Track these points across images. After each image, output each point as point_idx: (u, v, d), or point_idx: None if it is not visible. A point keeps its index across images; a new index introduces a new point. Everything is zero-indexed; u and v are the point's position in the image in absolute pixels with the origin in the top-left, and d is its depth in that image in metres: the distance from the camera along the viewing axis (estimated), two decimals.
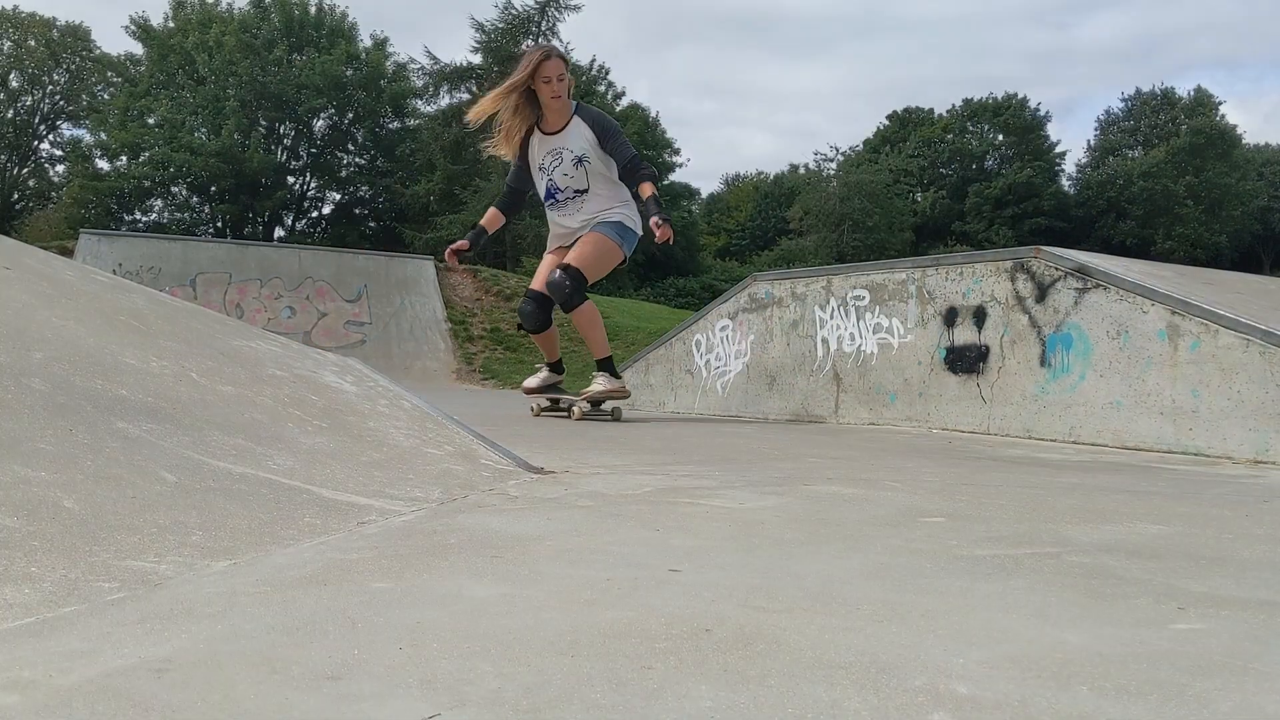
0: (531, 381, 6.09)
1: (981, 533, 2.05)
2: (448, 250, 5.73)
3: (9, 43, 41.31)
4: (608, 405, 5.72)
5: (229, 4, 37.16)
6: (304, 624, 1.24)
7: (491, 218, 5.77)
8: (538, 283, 5.70)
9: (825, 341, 6.21)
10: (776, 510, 2.32)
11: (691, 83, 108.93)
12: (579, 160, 5.40)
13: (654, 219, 5.12)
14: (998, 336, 5.10)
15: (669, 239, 5.08)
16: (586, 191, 5.48)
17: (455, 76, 34.40)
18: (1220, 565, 1.76)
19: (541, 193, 5.61)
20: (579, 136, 5.41)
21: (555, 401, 6.12)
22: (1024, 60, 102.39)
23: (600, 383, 5.66)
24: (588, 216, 5.50)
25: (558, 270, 5.39)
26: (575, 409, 5.63)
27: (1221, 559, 1.82)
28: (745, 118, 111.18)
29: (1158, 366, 4.28)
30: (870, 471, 3.27)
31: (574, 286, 5.37)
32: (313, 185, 40.02)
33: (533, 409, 6.07)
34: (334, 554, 1.67)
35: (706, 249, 44.93)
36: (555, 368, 6.05)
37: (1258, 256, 49.28)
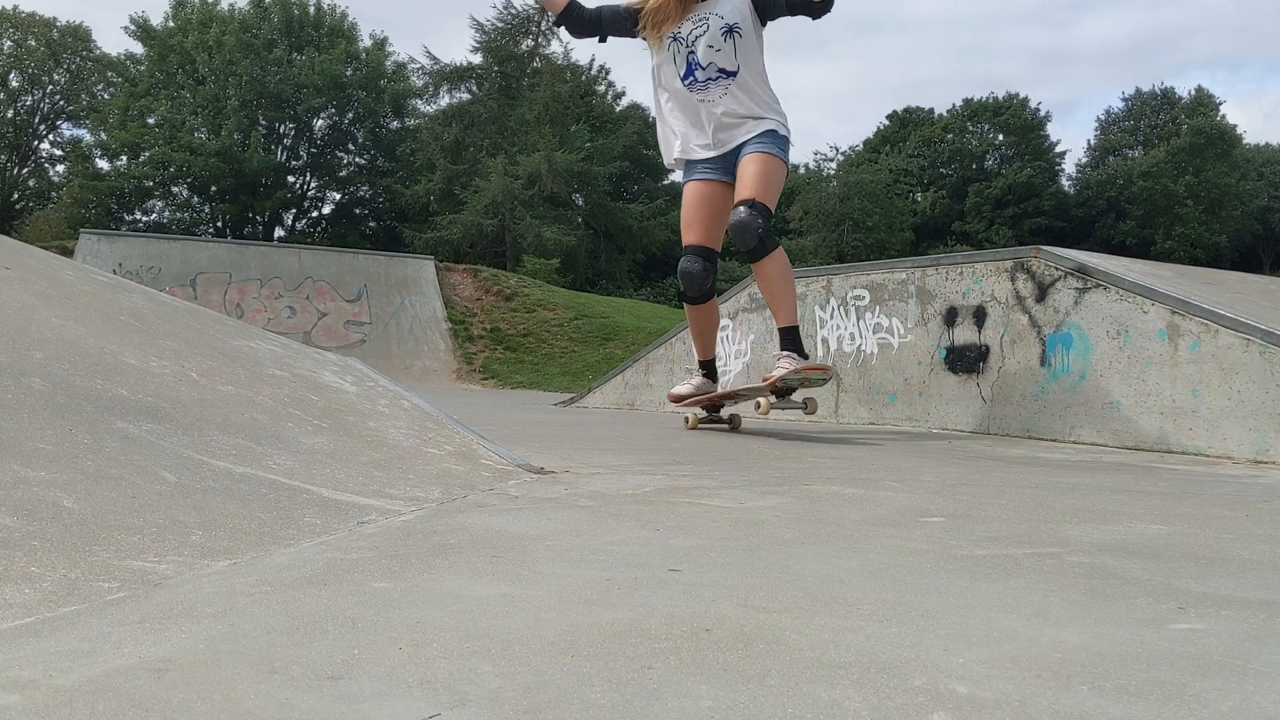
0: (682, 388, 4.93)
1: (981, 533, 2.05)
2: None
3: (9, 42, 41.32)
4: (799, 395, 4.53)
5: (230, 4, 37.17)
6: (304, 624, 1.24)
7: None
8: (700, 232, 4.49)
9: (825, 341, 6.21)
10: (776, 510, 2.32)
11: None
12: (729, 30, 4.28)
13: None
14: (998, 336, 5.10)
15: None
16: (735, 75, 4.33)
17: (455, 76, 34.43)
18: (1220, 565, 1.76)
19: (678, 72, 4.41)
20: (733, 1, 4.33)
21: (715, 408, 4.98)
22: (1024, 60, 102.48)
23: (787, 363, 4.37)
24: (734, 110, 4.35)
25: (743, 208, 4.22)
26: (762, 402, 4.42)
27: (1221, 559, 1.82)
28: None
29: (1158, 366, 4.28)
30: (870, 471, 3.27)
31: (766, 226, 4.24)
32: (313, 185, 40.04)
33: (687, 421, 4.93)
34: (334, 554, 1.67)
35: None
36: (709, 370, 4.94)
37: (1258, 256, 49.29)
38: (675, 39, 4.38)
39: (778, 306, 4.46)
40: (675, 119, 4.53)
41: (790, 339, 4.42)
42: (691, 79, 4.39)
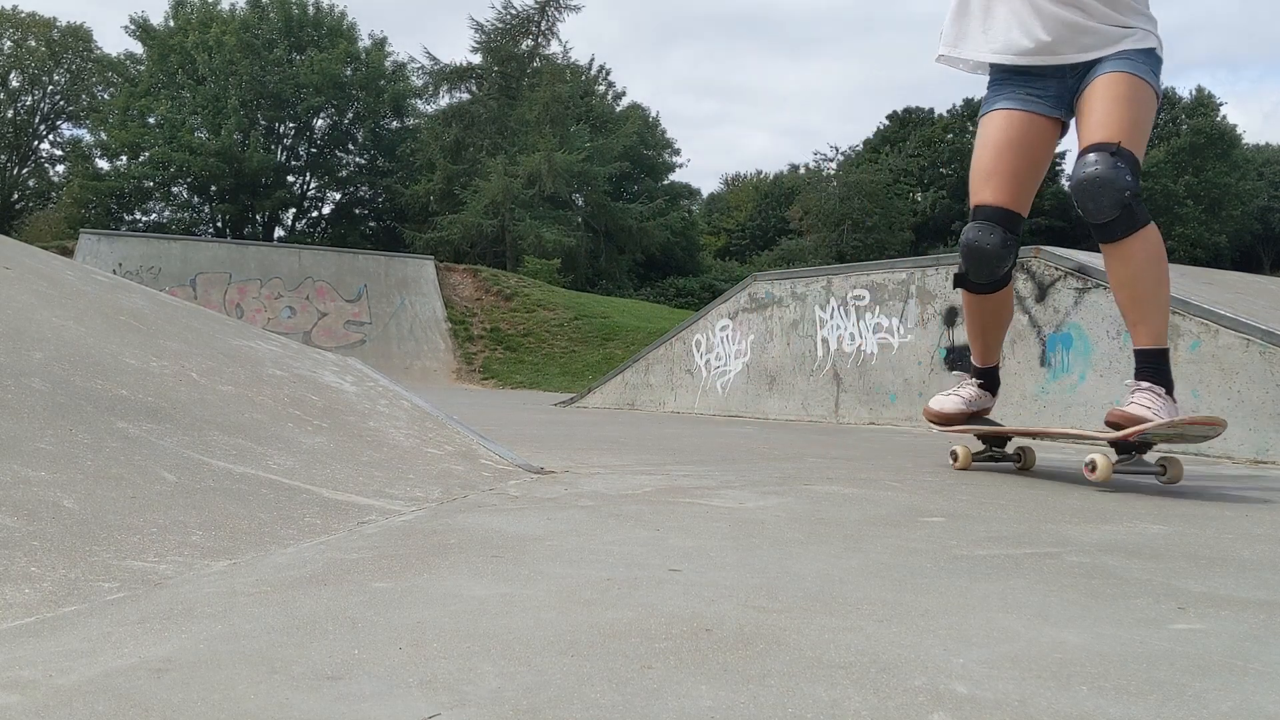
0: (948, 405, 3.48)
1: (981, 533, 2.05)
2: None
3: (9, 42, 41.32)
4: (1156, 458, 2.89)
5: (230, 4, 37.17)
6: (304, 624, 1.24)
7: None
8: (1001, 189, 3.05)
9: (825, 341, 6.21)
10: (776, 510, 2.32)
11: (691, 82, 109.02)
12: None
13: None
14: None
15: None
16: None
17: (455, 76, 34.44)
18: (1220, 565, 1.76)
19: None
20: None
21: (998, 442, 3.50)
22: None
23: (1151, 401, 2.81)
24: (1091, 5, 2.90)
25: (1099, 154, 2.79)
26: (1099, 461, 2.73)
27: (1221, 559, 1.82)
28: (745, 117, 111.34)
29: None
30: (870, 471, 3.27)
31: (1136, 189, 2.78)
32: (312, 185, 40.04)
33: (954, 456, 3.42)
34: (334, 554, 1.67)
35: (706, 249, 44.94)
36: (989, 380, 3.50)
37: (1258, 256, 49.30)
38: None
39: (1140, 314, 2.92)
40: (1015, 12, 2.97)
41: (1155, 366, 2.88)
42: None
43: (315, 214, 41.02)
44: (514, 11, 33.58)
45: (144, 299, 3.26)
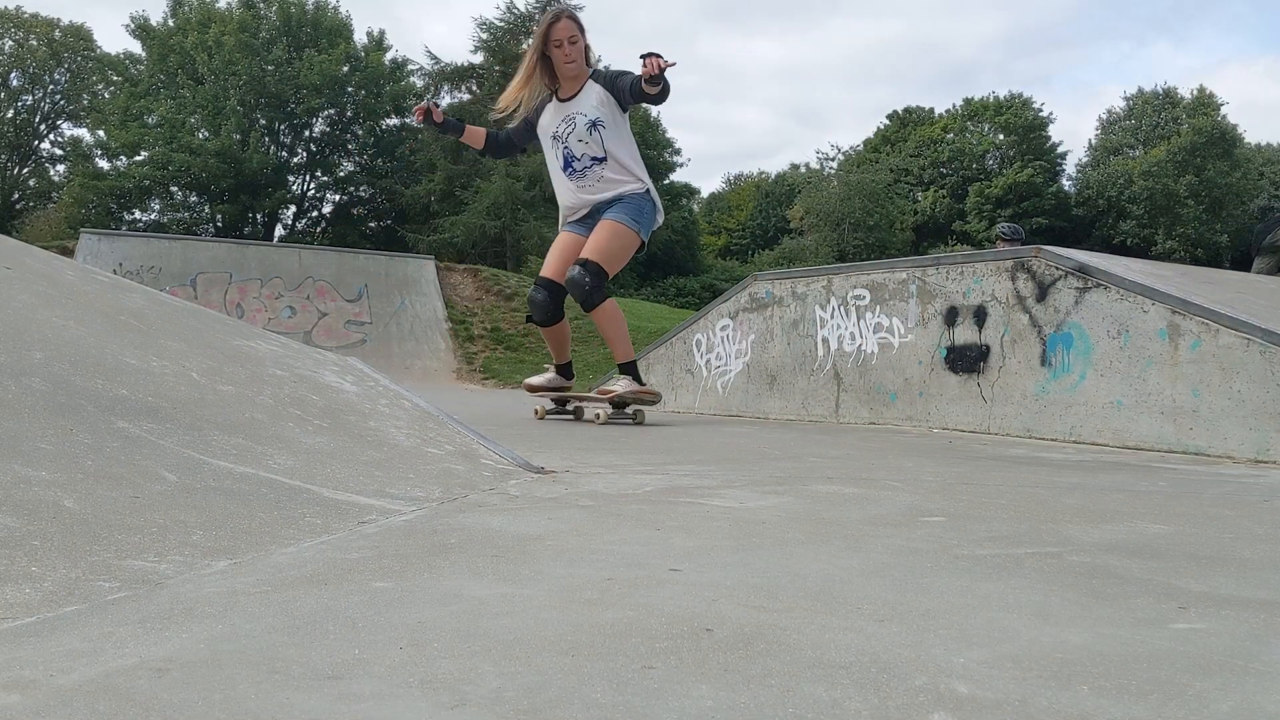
0: (536, 379, 5.74)
1: (982, 532, 2.05)
2: (417, 107, 5.30)
3: (10, 42, 41.34)
4: (631, 409, 5.37)
5: (228, 3, 37.16)
6: (305, 624, 1.25)
7: (475, 131, 5.47)
8: (551, 269, 5.29)
9: (826, 341, 6.21)
10: (777, 510, 2.32)
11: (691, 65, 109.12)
12: (592, 125, 5.06)
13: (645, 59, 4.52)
14: (998, 336, 5.10)
15: (659, 68, 4.46)
16: (604, 160, 5.12)
17: (456, 76, 34.44)
18: (1221, 565, 1.76)
19: (559, 164, 5.24)
20: (591, 98, 5.08)
21: (562, 403, 5.76)
22: (1021, 59, 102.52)
23: (623, 384, 5.29)
24: (607, 189, 5.13)
25: (576, 266, 5.01)
26: (599, 412, 5.30)
27: (1222, 558, 1.82)
28: (735, 93, 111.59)
29: (1158, 366, 4.28)
30: (871, 471, 3.27)
31: (594, 284, 4.97)
32: (312, 185, 40.03)
33: (536, 411, 5.66)
34: (334, 554, 1.67)
35: (707, 249, 44.95)
36: (564, 371, 5.66)
37: None
38: (554, 138, 5.21)
39: (613, 347, 5.36)
40: (561, 197, 5.39)
41: (627, 370, 5.34)
42: (570, 169, 5.23)
43: (315, 214, 41.02)
44: (515, 11, 33.60)
45: (144, 299, 3.26)
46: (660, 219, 5.34)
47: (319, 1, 37.78)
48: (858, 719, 0.97)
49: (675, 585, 1.51)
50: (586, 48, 5.13)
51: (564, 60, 5.05)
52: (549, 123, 5.23)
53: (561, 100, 5.18)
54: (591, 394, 5.86)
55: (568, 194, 5.30)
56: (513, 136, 5.43)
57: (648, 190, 5.22)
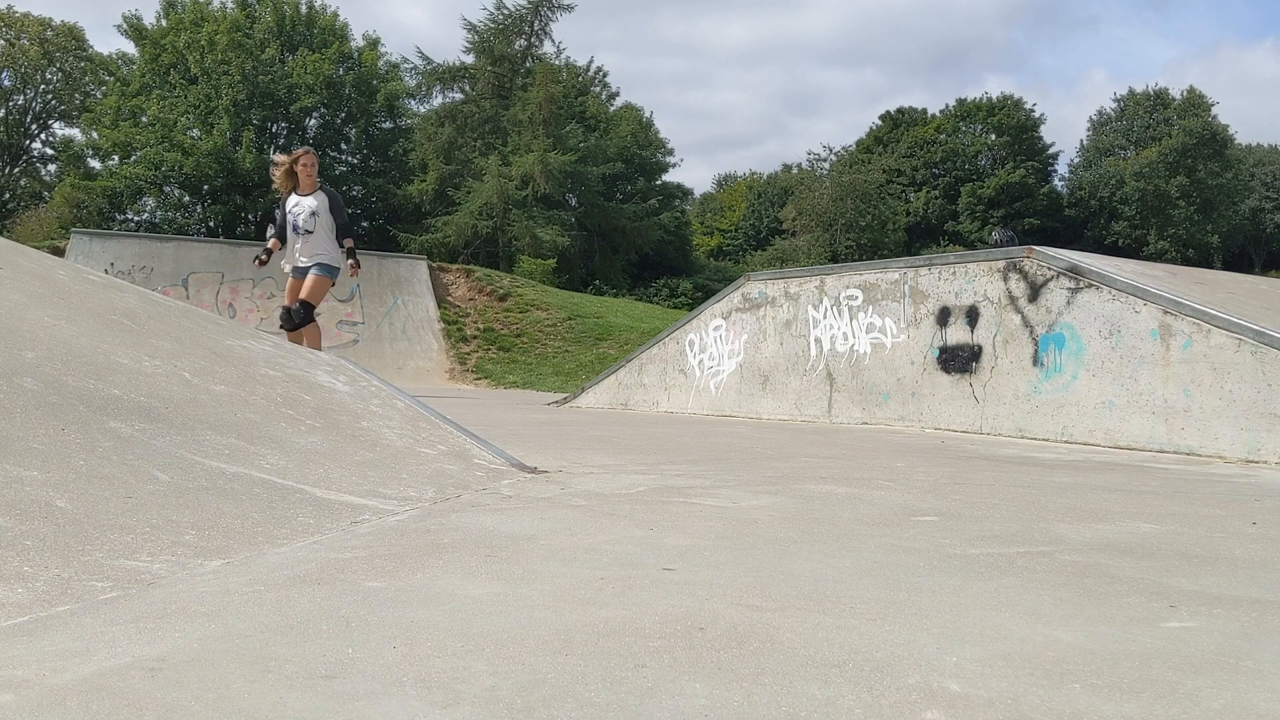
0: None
1: (974, 532, 2.06)
2: (255, 259, 8.19)
3: (2, 42, 41.19)
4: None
5: (222, 3, 37.06)
6: (298, 623, 1.24)
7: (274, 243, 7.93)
8: (288, 299, 7.84)
9: (818, 341, 6.22)
10: (770, 509, 2.32)
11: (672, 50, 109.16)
12: (312, 213, 7.63)
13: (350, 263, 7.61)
14: (990, 336, 5.11)
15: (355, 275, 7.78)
16: (313, 234, 7.62)
17: (448, 76, 34.39)
18: (1211, 564, 1.77)
19: (295, 226, 7.72)
20: (318, 200, 7.71)
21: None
22: (1019, 58, 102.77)
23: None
24: (312, 251, 7.62)
25: (297, 303, 7.63)
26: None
27: (1213, 558, 1.83)
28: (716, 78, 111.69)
29: (1150, 366, 4.30)
30: (863, 471, 3.28)
31: (305, 314, 7.58)
32: None
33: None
34: (327, 553, 1.67)
35: (700, 249, 44.96)
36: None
37: (1249, 256, 49.46)
38: (290, 211, 7.73)
39: (309, 346, 7.21)
40: (289, 249, 7.76)
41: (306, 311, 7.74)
42: (297, 231, 7.66)
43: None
44: (506, 11, 33.58)
45: (136, 298, 3.25)
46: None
47: (312, 2, 37.71)
48: (851, 717, 0.97)
49: (668, 584, 1.51)
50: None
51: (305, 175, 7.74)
52: (289, 195, 7.83)
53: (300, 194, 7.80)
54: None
55: (295, 248, 7.73)
56: (281, 227, 7.80)
57: (334, 259, 7.76)
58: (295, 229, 7.98)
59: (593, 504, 2.34)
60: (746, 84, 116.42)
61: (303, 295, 7.88)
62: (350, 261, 7.84)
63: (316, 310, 7.93)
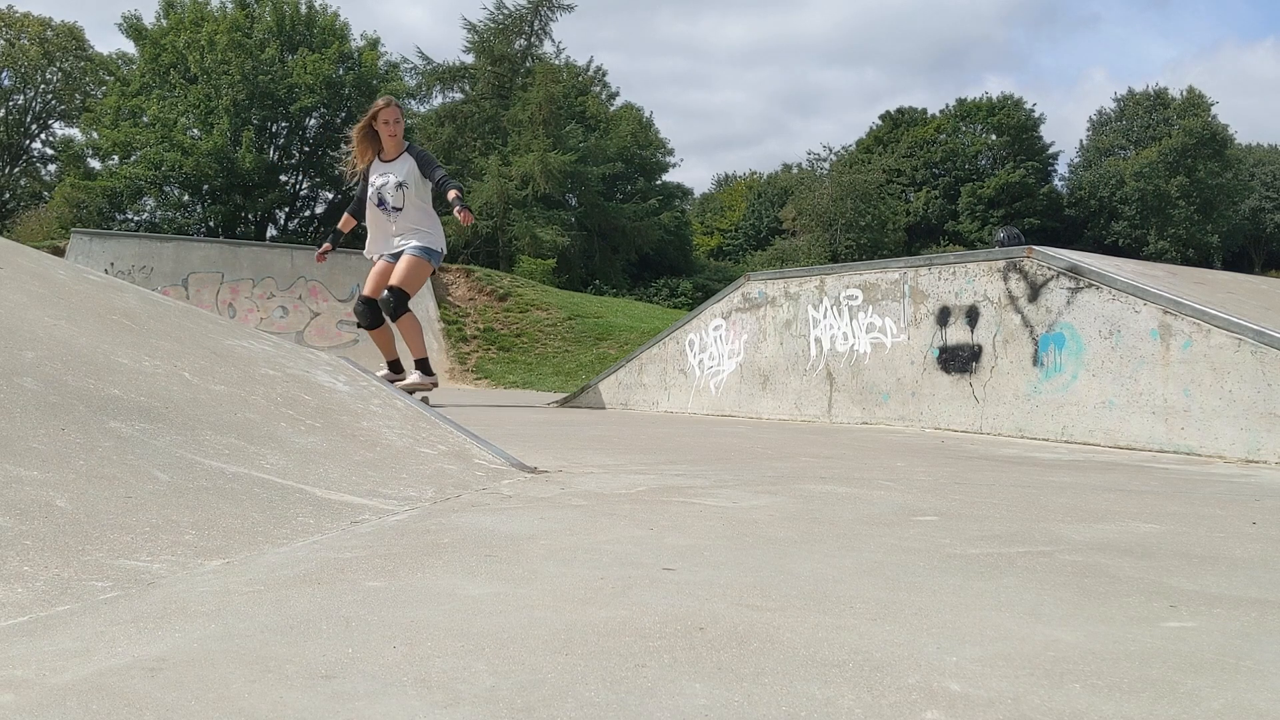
0: (411, 378, 7.16)
1: (974, 531, 2.06)
2: (318, 254, 7.45)
3: (2, 41, 41.20)
4: (418, 395, 6.50)
5: (221, 3, 37.05)
6: (298, 623, 1.24)
7: (346, 219, 7.23)
8: (369, 289, 6.87)
9: (818, 341, 6.22)
10: (770, 509, 2.32)
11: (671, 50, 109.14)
12: (399, 185, 6.74)
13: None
14: (990, 336, 5.11)
15: (469, 221, 6.56)
16: (402, 210, 6.77)
17: (448, 76, 34.40)
18: (1212, 564, 1.77)
19: (375, 203, 6.84)
20: (405, 166, 6.80)
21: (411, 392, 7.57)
22: (1017, 58, 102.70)
23: (414, 377, 6.88)
24: (402, 230, 6.78)
25: (385, 290, 6.65)
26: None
27: (1213, 557, 1.83)
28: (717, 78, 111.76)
29: (1150, 366, 4.29)
30: (863, 471, 3.28)
31: (397, 302, 6.61)
32: (305, 185, 39.89)
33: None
34: (327, 553, 1.67)
35: (700, 249, 44.97)
36: (393, 367, 7.01)
37: (1249, 256, 49.49)
38: (371, 184, 6.79)
39: (409, 347, 6.88)
40: (371, 230, 6.89)
41: (420, 364, 6.93)
42: (383, 207, 6.79)
43: (308, 213, 40.88)
44: (506, 11, 33.59)
45: (136, 298, 3.25)
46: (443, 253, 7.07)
47: (311, 2, 37.69)
48: (851, 717, 0.97)
49: (668, 584, 1.51)
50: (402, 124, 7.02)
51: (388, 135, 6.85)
52: (367, 163, 6.97)
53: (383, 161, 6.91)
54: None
55: (378, 227, 6.92)
56: (356, 204, 7.12)
57: (435, 237, 6.93)
58: (382, 205, 6.72)
59: (593, 504, 2.34)
60: (746, 84, 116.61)
61: (394, 281, 6.53)
62: (459, 209, 6.32)
63: (410, 300, 6.61)
